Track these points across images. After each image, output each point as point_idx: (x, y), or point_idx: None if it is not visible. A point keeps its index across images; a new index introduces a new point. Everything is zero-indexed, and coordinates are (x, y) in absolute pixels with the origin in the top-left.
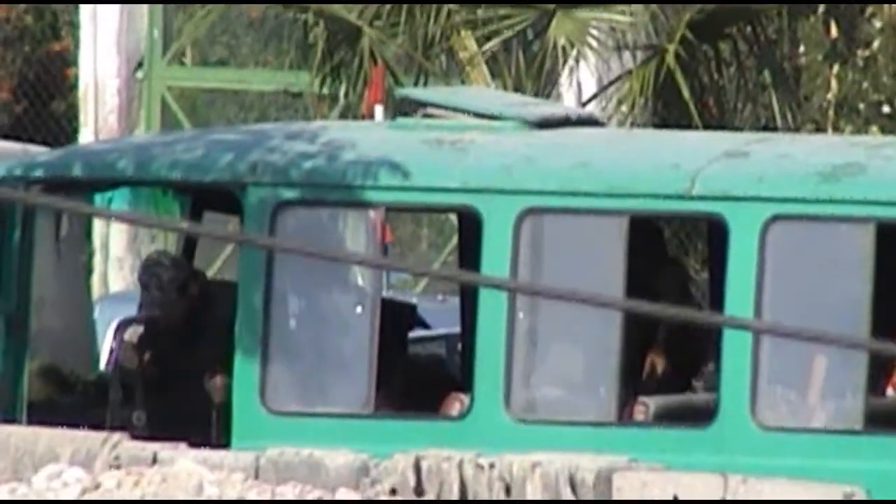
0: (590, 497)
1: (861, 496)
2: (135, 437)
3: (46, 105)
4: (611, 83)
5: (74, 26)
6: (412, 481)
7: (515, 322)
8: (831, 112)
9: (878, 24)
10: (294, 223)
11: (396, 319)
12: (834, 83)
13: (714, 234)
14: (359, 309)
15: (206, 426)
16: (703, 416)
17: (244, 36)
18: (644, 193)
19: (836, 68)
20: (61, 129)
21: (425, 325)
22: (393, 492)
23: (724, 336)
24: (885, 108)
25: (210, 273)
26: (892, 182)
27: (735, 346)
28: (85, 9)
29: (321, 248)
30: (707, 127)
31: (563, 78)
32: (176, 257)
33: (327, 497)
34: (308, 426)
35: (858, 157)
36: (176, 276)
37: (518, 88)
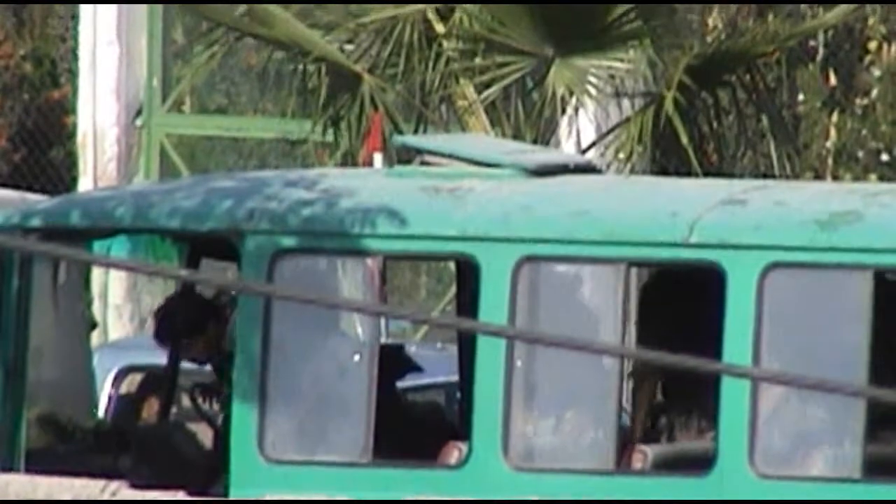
0: None
1: None
2: (134, 485)
3: (45, 153)
4: (609, 131)
5: (73, 74)
6: None
7: (513, 370)
8: (830, 160)
9: (876, 72)
10: (292, 271)
11: (391, 363)
12: (833, 131)
13: (712, 282)
14: (356, 357)
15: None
16: (701, 464)
17: (243, 83)
18: (642, 241)
19: (834, 116)
20: (60, 177)
21: (418, 370)
22: None
23: (722, 384)
24: (884, 156)
25: None
26: (890, 230)
27: (733, 394)
28: (84, 56)
29: (319, 295)
30: (706, 174)
31: (562, 126)
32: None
33: None
34: (306, 474)
35: (856, 204)
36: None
37: (517, 136)
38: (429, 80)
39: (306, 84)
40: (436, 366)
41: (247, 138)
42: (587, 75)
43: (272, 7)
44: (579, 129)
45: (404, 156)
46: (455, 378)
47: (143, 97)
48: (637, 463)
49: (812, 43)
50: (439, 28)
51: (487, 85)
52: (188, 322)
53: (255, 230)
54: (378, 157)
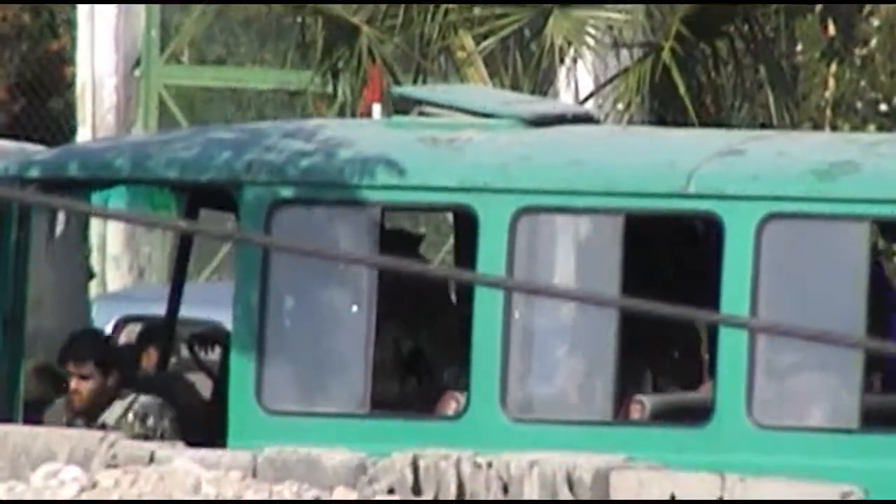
0: (587, 496)
1: (858, 495)
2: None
3: (44, 103)
4: (608, 81)
5: (72, 25)
6: (410, 480)
7: (511, 321)
8: (828, 110)
9: (875, 22)
10: (290, 222)
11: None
12: (831, 81)
13: (710, 232)
14: (355, 308)
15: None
16: (699, 414)
17: (242, 34)
18: (639, 192)
19: (833, 67)
20: (59, 127)
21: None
22: (391, 491)
23: (720, 334)
24: (883, 107)
25: (205, 273)
26: (888, 180)
27: (731, 345)
28: (82, 7)
29: (317, 246)
30: (704, 125)
31: (561, 76)
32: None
33: (325, 496)
34: (304, 425)
35: (854, 154)
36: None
37: (515, 87)
38: (427, 32)
39: (305, 36)
40: None
41: (245, 89)
42: (585, 26)
43: None
44: (577, 79)
45: (403, 107)
46: None
47: (142, 48)
48: (635, 413)
49: None
50: None
51: (486, 36)
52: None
53: (254, 181)
54: (377, 108)
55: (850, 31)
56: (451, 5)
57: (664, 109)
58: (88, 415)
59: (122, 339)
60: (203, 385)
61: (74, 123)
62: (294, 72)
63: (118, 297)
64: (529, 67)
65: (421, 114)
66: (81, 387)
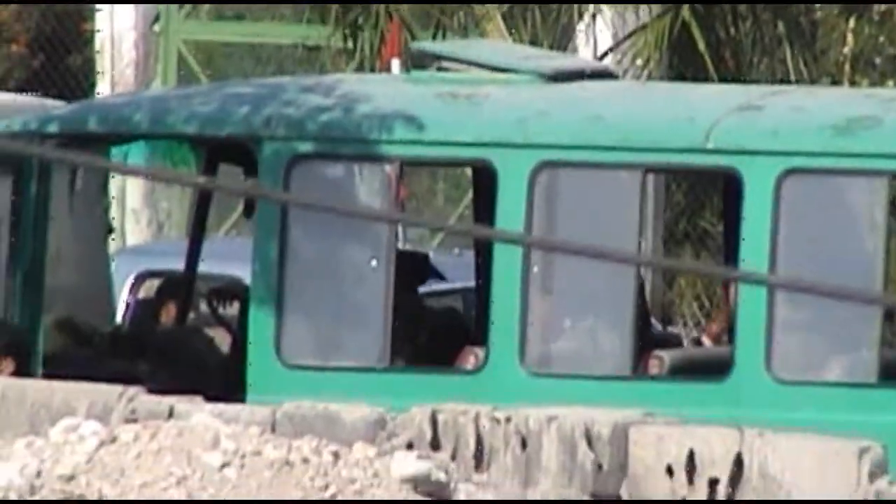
0: (606, 451)
1: (876, 450)
2: (151, 390)
3: (63, 59)
4: (627, 37)
5: None
6: (428, 435)
7: (530, 275)
8: (847, 66)
9: None
10: (309, 177)
11: (410, 270)
12: (850, 36)
13: (728, 187)
14: (374, 262)
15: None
16: (718, 369)
17: None
18: (658, 147)
19: (852, 21)
20: (78, 83)
21: (440, 277)
22: (409, 446)
23: (739, 290)
24: None
25: (224, 227)
26: None
27: (750, 300)
28: None
29: (336, 202)
30: (723, 80)
31: (580, 31)
32: None
33: (343, 451)
34: (323, 379)
35: (873, 109)
36: None
37: (534, 42)
38: None
39: None
40: (453, 271)
41: (264, 44)
42: None
43: None
44: (596, 35)
45: (421, 62)
46: (472, 283)
47: (161, 3)
48: (654, 368)
49: None
50: None
51: None
52: None
53: (273, 136)
54: (395, 64)
55: None
56: None
57: (683, 65)
58: None
59: (141, 293)
60: (222, 340)
61: (94, 79)
62: (313, 27)
63: (137, 251)
64: (548, 23)
65: (440, 69)
66: None
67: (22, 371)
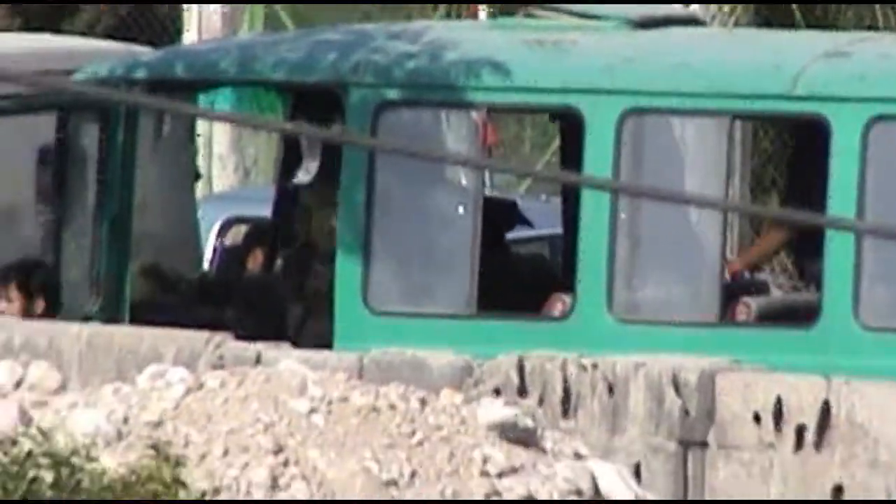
0: (693, 398)
1: None
2: (238, 337)
3: (150, 6)
4: None
5: None
6: (515, 382)
7: (618, 222)
8: None
9: None
10: (396, 123)
11: (498, 217)
12: None
13: (817, 134)
14: (461, 209)
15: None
16: (805, 316)
17: None
18: (745, 94)
19: None
20: (164, 29)
21: (528, 223)
22: (496, 392)
23: (827, 237)
24: None
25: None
26: None
27: (838, 247)
28: None
29: (423, 148)
30: (810, 27)
31: None
32: None
33: (430, 398)
34: (410, 326)
35: None
36: None
37: None
38: None
39: None
40: (540, 218)
41: None
42: None
43: None
44: None
45: (508, 9)
46: (559, 230)
47: None
48: (741, 315)
49: None
50: None
51: None
52: None
53: (360, 83)
54: (482, 10)
55: None
56: None
57: (770, 11)
58: None
59: (228, 240)
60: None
61: (180, 25)
62: None
63: (224, 197)
64: None
65: (527, 15)
66: (6, 309)
67: (53, 311)
